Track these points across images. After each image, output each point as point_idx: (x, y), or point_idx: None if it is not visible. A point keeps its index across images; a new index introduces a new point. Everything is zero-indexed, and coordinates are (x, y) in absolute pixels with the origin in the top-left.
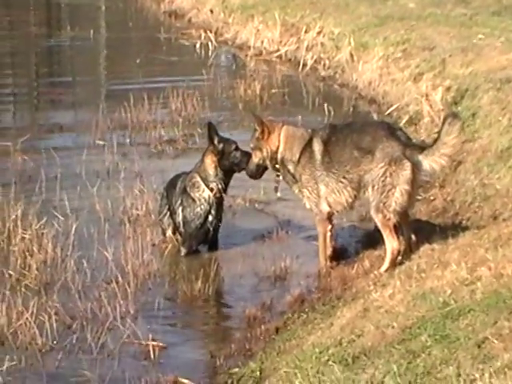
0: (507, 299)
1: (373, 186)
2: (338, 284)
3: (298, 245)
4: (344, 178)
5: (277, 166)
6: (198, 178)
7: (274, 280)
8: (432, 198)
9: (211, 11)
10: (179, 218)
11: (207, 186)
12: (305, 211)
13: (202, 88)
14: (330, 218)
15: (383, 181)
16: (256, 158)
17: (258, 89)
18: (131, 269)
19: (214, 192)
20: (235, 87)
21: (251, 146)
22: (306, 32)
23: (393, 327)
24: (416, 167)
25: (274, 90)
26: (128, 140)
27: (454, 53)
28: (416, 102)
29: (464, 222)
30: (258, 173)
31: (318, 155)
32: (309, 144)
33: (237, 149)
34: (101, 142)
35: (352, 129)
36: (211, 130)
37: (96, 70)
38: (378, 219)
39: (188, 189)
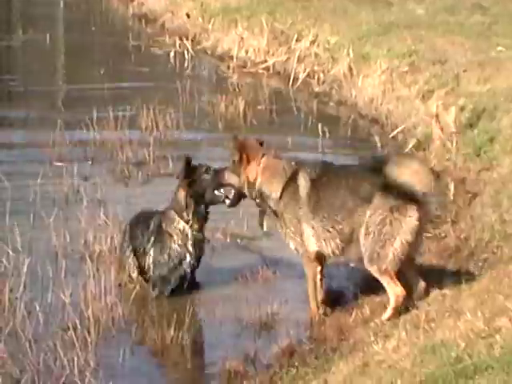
0: None
1: (366, 234)
2: (334, 334)
3: (287, 287)
4: (333, 227)
5: (257, 200)
6: (173, 213)
7: (259, 328)
8: (443, 235)
9: (188, 15)
10: (149, 261)
11: (182, 218)
12: None
13: (176, 104)
14: (319, 258)
15: (380, 229)
16: (233, 181)
17: (242, 105)
18: (92, 314)
19: (189, 224)
20: (215, 103)
21: (228, 167)
22: (297, 41)
23: None
24: (425, 208)
25: (260, 107)
26: (90, 162)
27: (470, 67)
28: (425, 124)
29: (480, 263)
30: (235, 199)
31: (303, 193)
32: (293, 179)
33: (207, 170)
34: (59, 164)
35: (349, 172)
36: (186, 167)
37: (53, 81)
38: (372, 270)
39: (164, 225)
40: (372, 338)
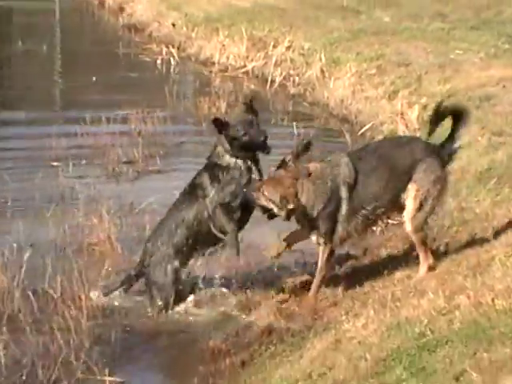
0: (486, 329)
1: (418, 206)
2: (308, 314)
3: (266, 270)
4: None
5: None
6: None
7: (239, 310)
8: None
9: (173, 25)
10: None
11: None
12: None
13: (163, 106)
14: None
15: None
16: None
17: (224, 107)
18: (85, 302)
19: None
20: (199, 105)
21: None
22: (274, 47)
23: (366, 359)
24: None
25: None
26: (84, 161)
27: (431, 69)
28: (391, 121)
29: (442, 247)
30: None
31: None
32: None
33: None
34: (55, 164)
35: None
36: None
37: (50, 87)
38: (415, 238)
39: None
40: (343, 317)
